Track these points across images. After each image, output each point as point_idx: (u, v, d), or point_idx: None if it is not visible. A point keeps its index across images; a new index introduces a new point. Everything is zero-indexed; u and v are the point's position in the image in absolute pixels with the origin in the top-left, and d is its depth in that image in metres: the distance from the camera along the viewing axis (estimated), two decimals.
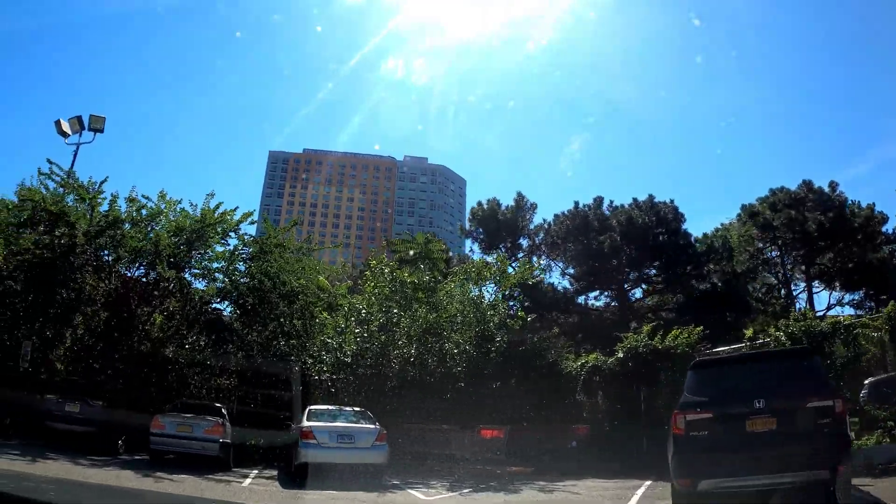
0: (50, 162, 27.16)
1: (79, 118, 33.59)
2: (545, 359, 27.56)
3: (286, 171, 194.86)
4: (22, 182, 27.22)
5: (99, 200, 26.65)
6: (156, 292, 27.86)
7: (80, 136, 33.44)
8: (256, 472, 21.03)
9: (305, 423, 18.76)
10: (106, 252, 27.23)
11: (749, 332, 24.45)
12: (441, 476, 20.74)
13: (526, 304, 34.14)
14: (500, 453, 22.86)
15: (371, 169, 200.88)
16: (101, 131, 33.96)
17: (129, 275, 27.96)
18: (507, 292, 28.35)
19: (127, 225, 26.53)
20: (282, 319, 27.88)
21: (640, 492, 16.31)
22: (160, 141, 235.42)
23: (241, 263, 28.45)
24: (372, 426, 19.12)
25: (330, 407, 21.27)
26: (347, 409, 21.17)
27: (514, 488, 18.39)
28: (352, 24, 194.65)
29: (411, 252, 37.81)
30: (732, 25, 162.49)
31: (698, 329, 25.30)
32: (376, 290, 27.13)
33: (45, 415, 21.02)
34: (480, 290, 28.36)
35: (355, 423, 19.39)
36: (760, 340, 23.21)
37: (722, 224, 55.17)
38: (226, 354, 27.46)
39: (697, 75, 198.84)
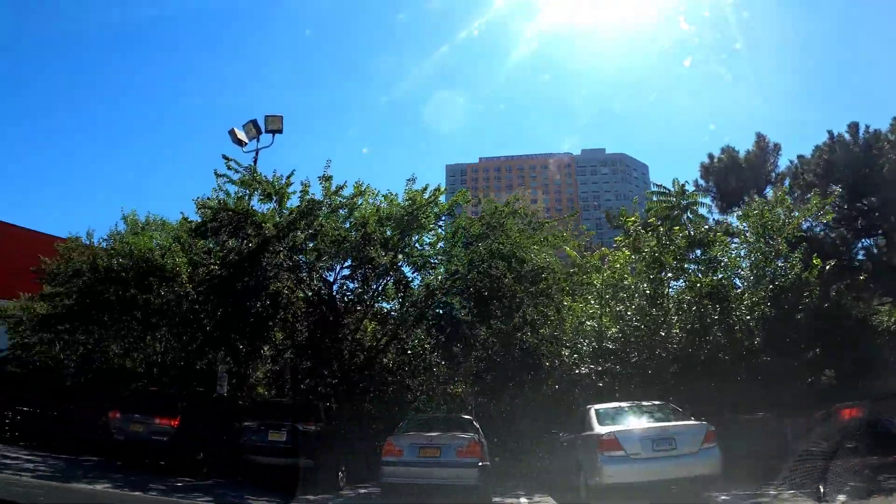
0: (226, 158, 23.64)
1: (253, 122, 30.37)
2: (851, 316, 21.04)
3: (465, 182, 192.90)
4: (199, 196, 23.92)
5: (288, 193, 22.81)
6: (365, 295, 23.44)
7: (258, 141, 30.24)
8: (525, 500, 15.84)
9: (601, 429, 13.51)
10: (303, 258, 23.22)
11: None
12: (770, 479, 14.65)
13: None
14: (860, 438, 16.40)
15: (550, 167, 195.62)
16: (280, 131, 30.56)
17: (329, 277, 23.78)
18: (789, 237, 21.87)
19: (324, 210, 22.46)
20: (524, 306, 22.33)
21: None
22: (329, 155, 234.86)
23: (461, 248, 23.40)
24: (693, 422, 13.65)
25: (622, 404, 15.67)
26: (645, 403, 15.59)
27: None
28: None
29: (671, 203, 31.45)
30: None
31: None
32: (641, 254, 21.64)
33: (244, 446, 17.00)
34: (762, 239, 21.97)
35: (665, 420, 13.85)
36: None
37: None
38: (457, 356, 22.46)
39: None
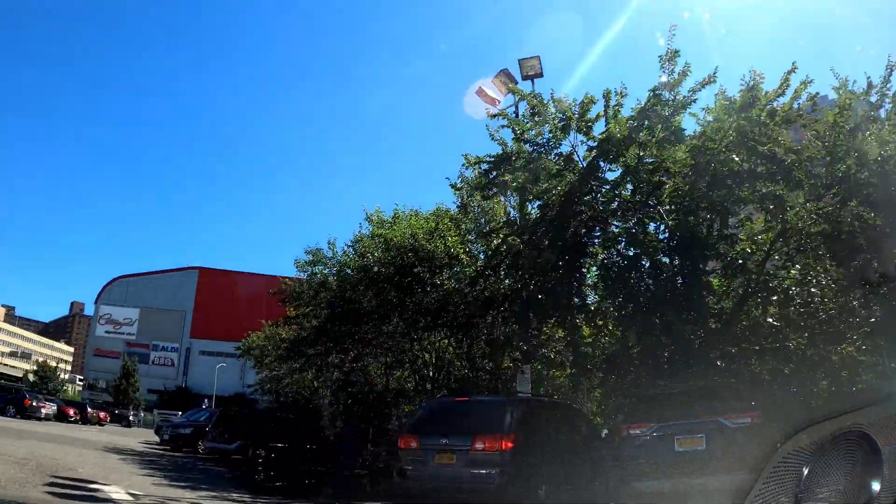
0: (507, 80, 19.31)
1: (504, 72, 24.97)
2: None
3: None
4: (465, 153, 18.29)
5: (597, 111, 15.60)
6: (714, 232, 15.37)
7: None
8: None
9: None
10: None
11: None
12: None
13: None
14: None
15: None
16: (540, 75, 24.93)
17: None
18: None
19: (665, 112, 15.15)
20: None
21: None
22: None
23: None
24: None
25: None
26: None
27: None
28: None
29: None
30: None
31: None
32: None
33: (631, 466, 10.95)
34: None
35: None
36: None
37: None
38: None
39: None
